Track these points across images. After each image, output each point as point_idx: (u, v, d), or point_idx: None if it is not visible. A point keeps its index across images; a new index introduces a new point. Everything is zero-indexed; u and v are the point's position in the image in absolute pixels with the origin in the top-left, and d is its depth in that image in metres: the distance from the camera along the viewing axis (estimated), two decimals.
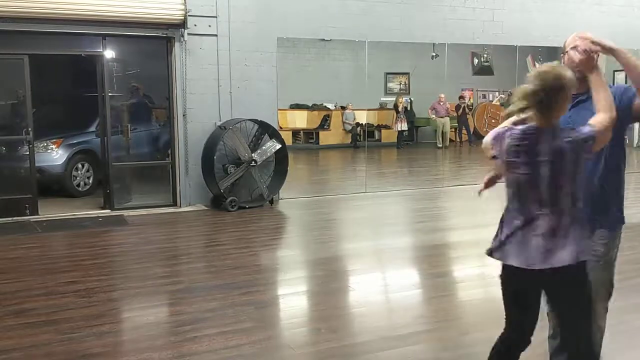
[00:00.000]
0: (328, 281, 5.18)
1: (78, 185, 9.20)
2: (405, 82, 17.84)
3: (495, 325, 4.06)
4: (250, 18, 8.59)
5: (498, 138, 2.54)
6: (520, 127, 2.48)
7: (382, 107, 17.36)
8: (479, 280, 5.27)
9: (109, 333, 4.01)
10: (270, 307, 4.67)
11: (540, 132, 2.44)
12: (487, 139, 2.66)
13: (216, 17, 8.37)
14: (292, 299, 4.84)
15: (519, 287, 2.64)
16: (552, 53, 17.53)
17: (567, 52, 2.82)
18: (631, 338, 3.91)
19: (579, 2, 10.90)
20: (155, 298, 4.78)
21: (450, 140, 17.01)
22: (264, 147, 8.35)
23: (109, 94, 8.11)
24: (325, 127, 16.78)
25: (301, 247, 6.64)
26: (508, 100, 13.66)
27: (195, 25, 8.15)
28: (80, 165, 9.20)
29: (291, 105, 16.47)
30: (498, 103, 15.78)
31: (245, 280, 5.08)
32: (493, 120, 17.80)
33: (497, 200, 9.70)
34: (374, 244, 6.64)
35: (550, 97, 2.39)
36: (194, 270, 5.62)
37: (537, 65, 16.36)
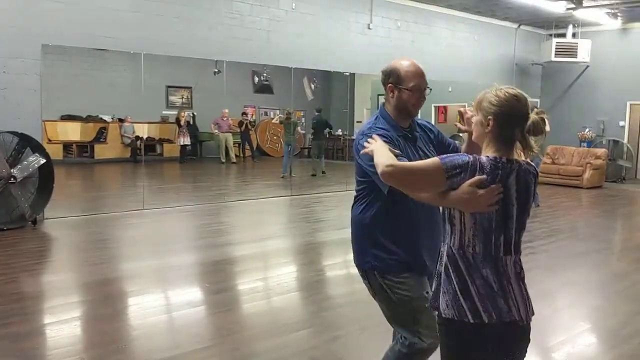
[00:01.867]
0: (100, 306, 4.86)
1: None
2: (187, 96, 17.69)
3: (269, 336, 4.22)
4: (9, 22, 7.76)
5: (465, 167, 2.04)
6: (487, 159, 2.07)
7: (164, 120, 16.97)
8: (259, 293, 5.40)
9: None
10: (30, 338, 4.20)
11: (510, 164, 2.09)
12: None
13: None
14: (57, 328, 4.42)
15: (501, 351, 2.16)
16: (326, 75, 18.96)
17: (405, 89, 2.63)
18: (383, 338, 4.32)
19: (346, 30, 11.90)
20: None
21: (236, 156, 17.27)
22: (25, 162, 7.57)
23: None
24: (101, 140, 15.84)
25: (69, 271, 6.13)
26: (287, 118, 14.36)
27: None
28: None
29: (62, 116, 15.25)
30: (277, 121, 16.48)
31: (1, 311, 4.52)
32: (275, 137, 18.55)
33: (276, 214, 10.15)
34: (152, 264, 6.40)
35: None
36: None
37: (312, 86, 17.60)
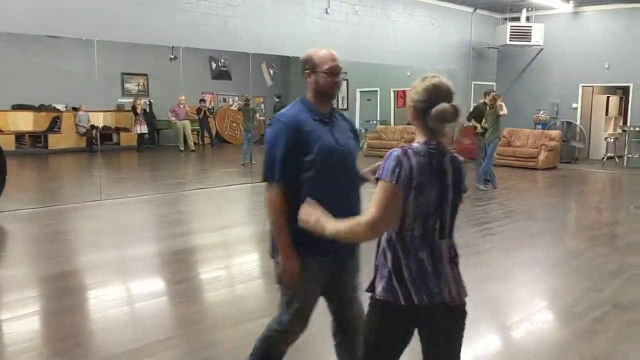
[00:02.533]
0: (57, 300, 4.76)
1: None
2: (144, 84, 17.32)
3: (234, 323, 4.21)
4: None
5: (398, 162, 2.14)
6: (419, 144, 2.20)
7: (120, 108, 16.59)
8: (221, 282, 5.37)
9: None
10: None
11: (442, 150, 2.22)
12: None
13: None
14: (14, 323, 4.31)
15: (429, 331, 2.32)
16: (285, 61, 18.84)
17: (321, 72, 2.75)
18: None
19: (303, 15, 11.83)
20: None
21: (194, 144, 17.04)
22: None
23: None
24: (55, 129, 15.39)
25: (25, 265, 5.96)
26: (246, 104, 14.23)
27: None
28: None
29: (13, 105, 14.74)
30: (236, 108, 16.31)
31: None
32: (234, 124, 18.36)
33: (237, 202, 10.09)
34: (111, 255, 6.28)
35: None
36: None
37: (270, 71, 17.51)
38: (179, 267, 5.81)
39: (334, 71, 2.77)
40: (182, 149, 16.57)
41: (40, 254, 6.30)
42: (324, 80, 2.75)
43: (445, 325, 2.25)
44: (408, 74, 17.08)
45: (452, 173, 2.22)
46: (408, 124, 17.81)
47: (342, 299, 2.93)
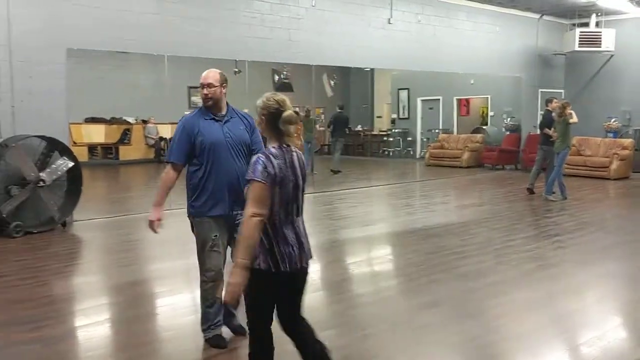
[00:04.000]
0: (131, 307, 4.92)
1: None
2: None
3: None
4: (36, 28, 7.88)
5: (265, 165, 2.79)
6: (274, 149, 2.88)
7: None
8: None
9: None
10: (63, 342, 4.26)
11: (289, 148, 2.94)
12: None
13: None
14: (90, 330, 4.49)
15: (296, 285, 3.03)
16: (345, 72, 18.89)
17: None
18: (417, 334, 4.30)
19: (366, 26, 11.85)
20: None
21: None
22: (53, 166, 7.68)
23: None
24: (125, 141, 16.01)
25: (99, 273, 6.21)
26: (306, 115, 14.37)
27: None
28: None
29: (86, 118, 15.45)
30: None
31: (32, 315, 4.59)
32: (294, 135, 18.55)
33: None
34: (181, 264, 6.45)
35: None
36: None
37: (331, 83, 17.57)
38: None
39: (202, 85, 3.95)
40: None
41: (113, 262, 6.54)
42: (200, 94, 4.00)
43: (300, 285, 3.01)
44: (472, 81, 16.80)
45: (299, 165, 2.93)
46: (472, 132, 17.54)
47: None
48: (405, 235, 7.75)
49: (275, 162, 2.79)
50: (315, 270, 6.24)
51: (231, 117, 4.05)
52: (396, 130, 19.00)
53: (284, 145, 2.88)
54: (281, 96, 2.90)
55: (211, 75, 3.96)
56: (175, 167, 3.94)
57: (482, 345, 4.10)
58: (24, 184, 7.41)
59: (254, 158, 2.83)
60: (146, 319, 4.72)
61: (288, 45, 10.73)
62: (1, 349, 3.95)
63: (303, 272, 2.98)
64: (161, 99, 12.11)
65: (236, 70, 12.86)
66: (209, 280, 4.00)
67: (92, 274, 6.18)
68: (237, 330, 4.11)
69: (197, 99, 17.79)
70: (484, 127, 17.52)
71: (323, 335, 4.21)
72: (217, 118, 3.98)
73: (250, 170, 2.79)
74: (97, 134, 15.82)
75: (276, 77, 17.67)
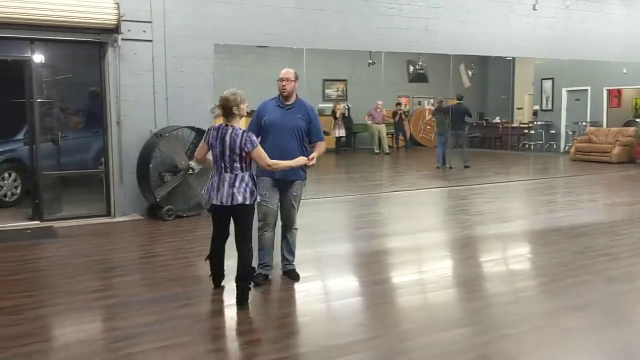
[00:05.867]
0: (268, 291, 5.14)
1: (4, 195, 8.78)
2: (342, 89, 18.03)
3: (433, 330, 4.17)
4: (187, 24, 8.46)
5: (210, 132, 4.70)
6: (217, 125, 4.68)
7: (320, 113, 17.45)
8: (418, 287, 5.36)
9: (38, 353, 3.81)
10: (209, 319, 4.58)
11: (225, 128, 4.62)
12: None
13: (151, 22, 8.20)
14: (232, 310, 4.75)
15: (218, 216, 4.82)
16: (484, 61, 18.24)
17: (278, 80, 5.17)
18: (561, 338, 4.05)
19: (508, 13, 11.33)
20: (87, 314, 4.59)
21: (389, 146, 17.28)
22: None
23: (38, 100, 7.79)
24: None
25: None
26: (440, 105, 14.03)
27: (129, 30, 7.95)
28: (7, 175, 8.79)
29: None
30: (429, 109, 16.07)
31: (183, 292, 4.96)
32: (428, 127, 18.24)
33: (432, 206, 9.90)
34: (313, 252, 6.62)
35: (227, 109, 4.63)
36: (128, 283, 5.42)
37: (469, 73, 17.01)
38: (376, 268, 5.93)
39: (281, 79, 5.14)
40: (377, 151, 16.91)
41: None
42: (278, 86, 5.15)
43: (225, 215, 4.76)
44: (624, 70, 15.45)
45: (228, 139, 4.54)
46: (623, 125, 16.15)
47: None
48: (548, 234, 7.32)
49: (212, 133, 4.62)
50: (448, 267, 6.12)
51: (293, 107, 5.11)
52: (538, 123, 18.02)
53: (224, 125, 4.61)
54: (229, 92, 4.70)
55: (289, 72, 5.10)
56: None
57: (636, 354, 3.77)
58: (175, 171, 8.01)
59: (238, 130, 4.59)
60: (281, 303, 4.93)
61: (426, 35, 10.56)
62: (161, 322, 4.30)
63: (222, 207, 4.62)
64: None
65: (370, 61, 12.92)
66: (258, 228, 5.11)
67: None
68: (292, 275, 5.30)
69: (331, 92, 18.20)
70: (638, 119, 16.08)
71: (458, 332, 4.15)
72: (282, 105, 5.11)
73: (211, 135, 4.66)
74: (240, 126, 16.64)
75: (411, 68, 17.50)
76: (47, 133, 8.18)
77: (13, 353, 3.74)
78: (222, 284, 5.04)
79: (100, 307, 4.70)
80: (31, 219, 7.84)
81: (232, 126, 4.56)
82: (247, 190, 4.57)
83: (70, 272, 5.70)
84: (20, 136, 8.84)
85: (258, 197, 4.69)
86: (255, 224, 4.99)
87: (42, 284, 5.43)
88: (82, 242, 7.01)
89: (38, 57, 7.79)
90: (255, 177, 4.75)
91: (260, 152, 4.61)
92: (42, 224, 7.67)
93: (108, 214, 8.19)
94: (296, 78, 5.11)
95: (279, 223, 5.37)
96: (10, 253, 6.38)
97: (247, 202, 4.56)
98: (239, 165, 4.55)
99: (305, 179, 5.35)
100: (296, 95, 5.17)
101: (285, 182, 5.11)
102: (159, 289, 5.11)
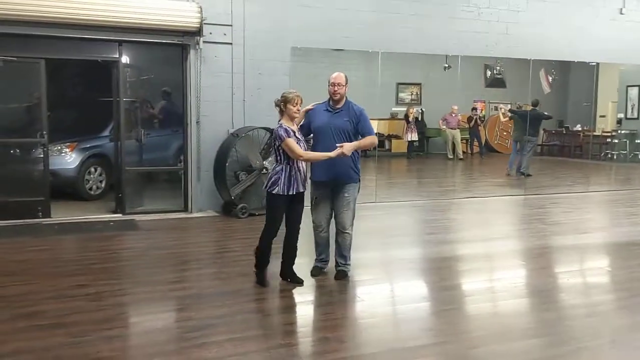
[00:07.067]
0: (337, 291, 5.18)
1: (90, 189, 9.29)
2: (416, 93, 17.84)
3: (504, 339, 4.08)
4: (265, 27, 8.66)
5: (287, 131, 4.87)
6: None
7: (393, 117, 17.36)
8: (489, 294, 5.26)
9: (118, 337, 4.04)
10: (279, 315, 4.68)
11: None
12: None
13: (231, 25, 8.46)
14: (301, 308, 4.85)
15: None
16: (565, 66, 17.59)
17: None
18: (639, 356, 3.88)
19: (593, 17, 10.90)
20: (164, 303, 4.81)
21: (463, 152, 16.95)
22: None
23: (124, 99, 8.21)
24: None
25: (309, 255, 6.61)
26: (519, 109, 13.62)
27: (210, 33, 8.24)
28: (93, 169, 9.30)
29: None
30: (502, 115, 15.47)
31: (255, 288, 5.09)
32: (504, 133, 17.75)
33: (505, 214, 9.62)
34: (383, 255, 6.64)
35: (279, 107, 4.98)
36: (203, 276, 5.64)
37: (549, 78, 16.43)
38: (446, 273, 5.85)
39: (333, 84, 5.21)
40: (450, 157, 16.62)
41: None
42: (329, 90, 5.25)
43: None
44: None
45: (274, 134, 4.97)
46: None
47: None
48: (628, 247, 6.98)
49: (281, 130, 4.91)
50: (522, 276, 5.95)
51: (342, 110, 5.19)
52: (622, 132, 17.14)
53: (282, 122, 4.98)
54: (289, 90, 5.04)
55: (341, 77, 5.14)
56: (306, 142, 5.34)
57: None
58: (249, 170, 8.22)
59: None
60: (350, 303, 4.96)
61: (505, 39, 10.32)
62: (233, 315, 4.45)
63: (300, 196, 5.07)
64: (372, 95, 12.45)
65: (446, 65, 12.72)
66: (314, 228, 5.37)
67: (303, 256, 6.56)
68: (339, 276, 5.34)
69: (405, 95, 18.05)
70: None
71: (529, 343, 4.04)
72: (330, 109, 5.20)
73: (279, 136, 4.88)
74: None
75: (488, 73, 17.10)
76: (131, 130, 8.60)
77: (95, 337, 3.97)
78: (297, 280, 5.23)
79: (176, 298, 4.90)
80: (114, 212, 8.26)
81: (279, 122, 4.92)
82: (272, 178, 4.91)
83: (149, 263, 5.99)
84: (106, 133, 9.34)
85: (282, 190, 4.87)
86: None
87: (124, 274, 5.73)
88: (161, 235, 7.33)
89: (125, 58, 8.21)
90: (306, 177, 5.02)
91: (290, 145, 4.79)
92: (124, 216, 8.07)
93: (185, 209, 8.51)
94: (346, 82, 5.18)
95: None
96: (96, 243, 6.77)
97: (264, 187, 5.05)
98: (277, 158, 4.95)
99: (359, 180, 5.34)
100: (346, 98, 5.25)
101: (337, 184, 5.19)
102: (231, 283, 5.28)
